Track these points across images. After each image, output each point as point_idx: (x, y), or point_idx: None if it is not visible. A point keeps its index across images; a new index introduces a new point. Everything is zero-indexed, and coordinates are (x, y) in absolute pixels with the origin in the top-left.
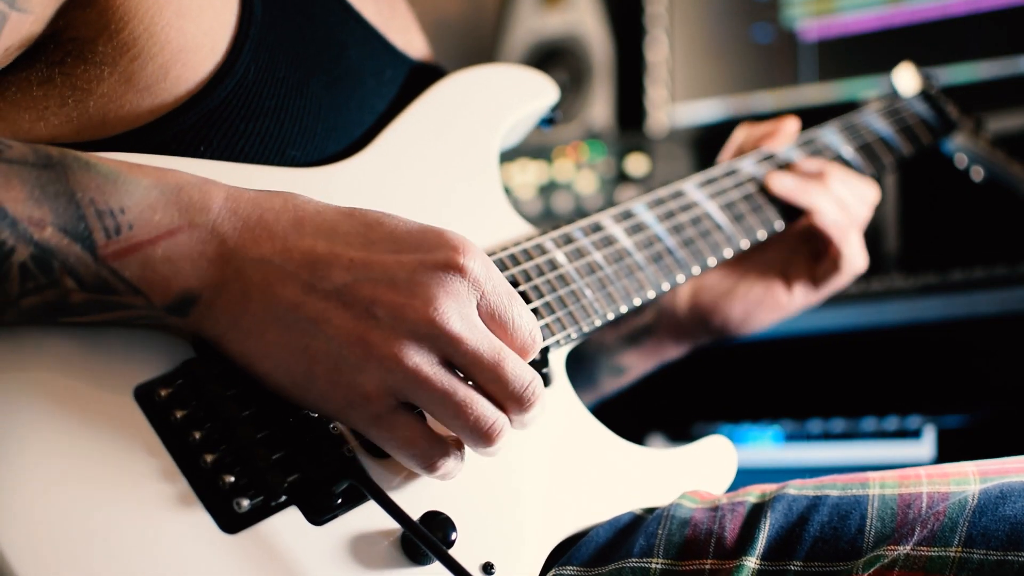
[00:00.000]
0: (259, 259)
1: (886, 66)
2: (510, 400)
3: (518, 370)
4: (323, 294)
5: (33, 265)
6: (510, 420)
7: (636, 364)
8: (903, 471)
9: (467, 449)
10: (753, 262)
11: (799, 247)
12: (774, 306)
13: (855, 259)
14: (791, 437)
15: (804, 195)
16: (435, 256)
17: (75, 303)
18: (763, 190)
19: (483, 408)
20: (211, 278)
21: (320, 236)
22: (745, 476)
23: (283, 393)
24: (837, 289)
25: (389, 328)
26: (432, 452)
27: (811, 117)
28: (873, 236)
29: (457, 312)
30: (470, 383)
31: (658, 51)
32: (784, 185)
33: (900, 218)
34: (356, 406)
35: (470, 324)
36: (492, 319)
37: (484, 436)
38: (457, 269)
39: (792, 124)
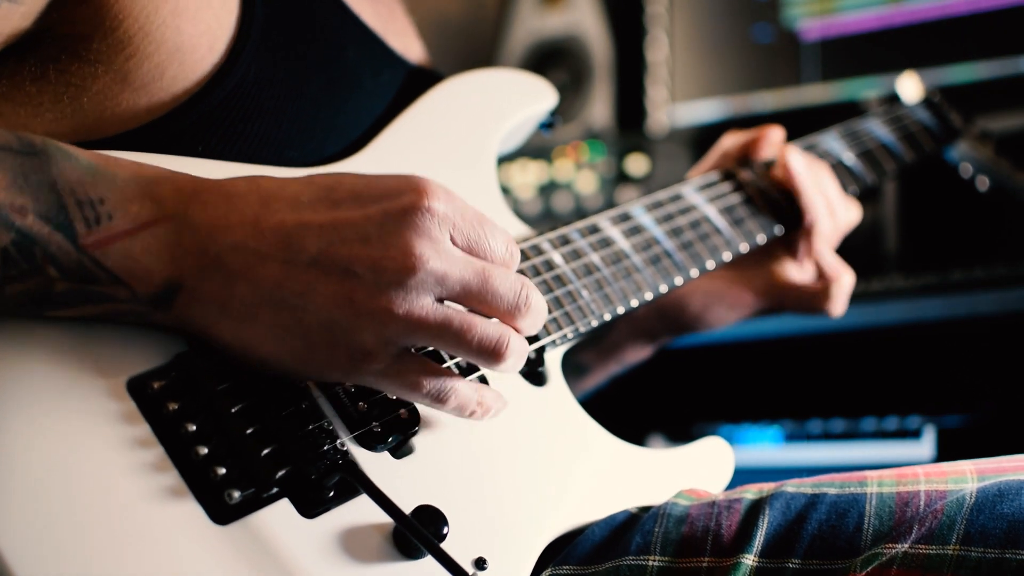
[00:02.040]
0: (234, 245)
1: (886, 66)
2: (508, 313)
3: (507, 282)
4: (302, 266)
5: (15, 251)
6: (516, 330)
7: (596, 362)
8: (901, 470)
9: (476, 421)
10: None
11: (774, 247)
12: (735, 304)
13: (837, 301)
14: (791, 437)
15: (803, 179)
16: (400, 202)
17: (59, 292)
18: (763, 196)
19: (483, 327)
20: (191, 268)
21: (286, 209)
22: (745, 476)
23: (287, 370)
24: (801, 312)
25: (372, 283)
26: (443, 387)
27: (812, 117)
28: (873, 236)
29: (433, 250)
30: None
31: (658, 51)
32: (797, 163)
33: (900, 218)
34: (361, 364)
35: (450, 258)
36: (468, 246)
37: (493, 353)
38: (424, 210)
39: (776, 132)
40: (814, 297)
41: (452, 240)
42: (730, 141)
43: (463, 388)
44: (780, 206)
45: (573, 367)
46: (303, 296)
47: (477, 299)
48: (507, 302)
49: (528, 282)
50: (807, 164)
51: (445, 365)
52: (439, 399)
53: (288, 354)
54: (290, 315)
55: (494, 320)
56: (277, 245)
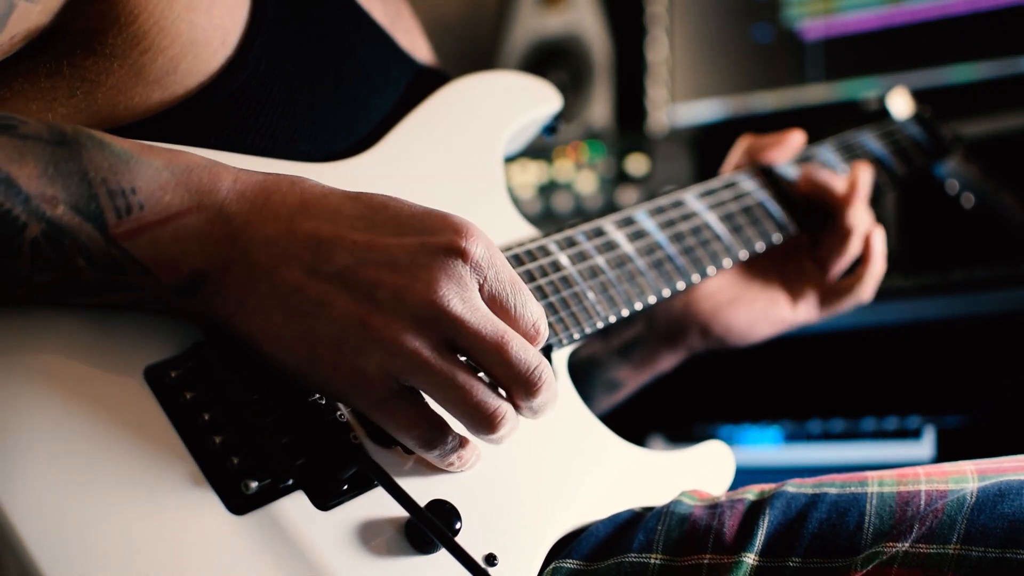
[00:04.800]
0: (264, 240)
1: (887, 66)
2: (516, 384)
3: (523, 353)
4: (326, 276)
5: (44, 242)
6: (519, 407)
7: (630, 377)
8: (901, 470)
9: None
10: (758, 274)
11: (806, 263)
12: (777, 320)
13: (870, 285)
14: (791, 437)
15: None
16: (437, 239)
17: (86, 282)
18: (760, 205)
19: (484, 394)
20: (219, 259)
21: (324, 218)
22: (745, 476)
23: (288, 375)
24: (839, 312)
25: (390, 311)
26: (432, 435)
27: (812, 117)
28: None
29: (458, 295)
30: (473, 368)
31: (658, 51)
32: (825, 179)
33: (900, 218)
34: (358, 388)
35: (471, 307)
36: (495, 304)
37: (486, 422)
38: (459, 252)
39: (798, 136)
40: (846, 290)
41: (481, 292)
42: (747, 144)
43: (450, 445)
44: (797, 208)
45: (608, 384)
46: (319, 306)
47: (488, 359)
48: (518, 372)
49: (545, 362)
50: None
51: None
52: (425, 446)
53: (291, 360)
54: (301, 322)
55: (494, 391)
56: (306, 250)
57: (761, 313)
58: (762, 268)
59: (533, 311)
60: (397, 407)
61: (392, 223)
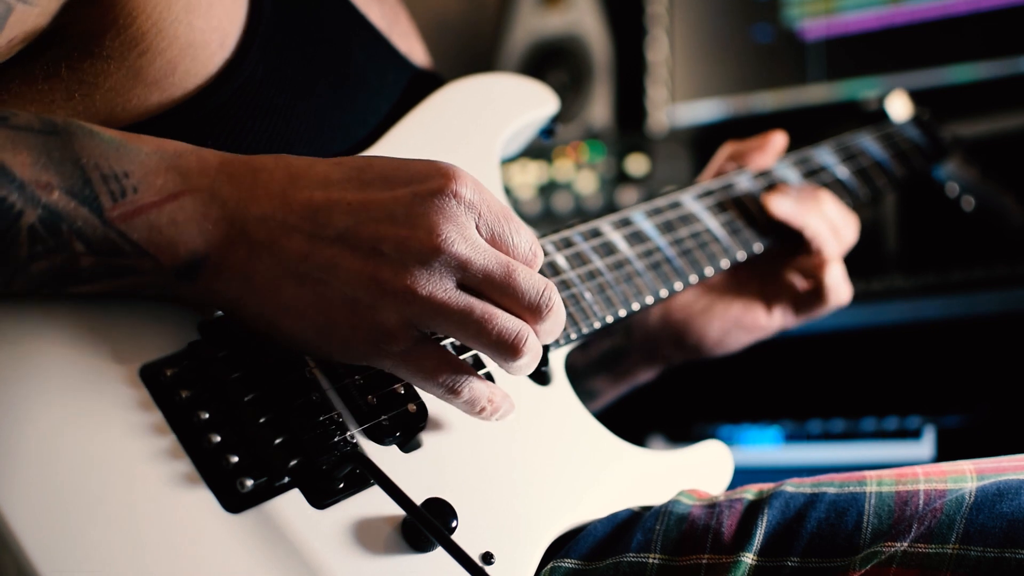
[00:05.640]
0: (260, 217)
1: (886, 66)
2: (528, 311)
3: (530, 280)
4: (328, 241)
5: (41, 228)
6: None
7: (607, 388)
8: (900, 469)
9: (480, 416)
10: (732, 281)
11: (781, 269)
12: (752, 327)
13: (840, 289)
14: (791, 437)
15: (801, 217)
16: (427, 185)
17: (84, 268)
18: (759, 206)
19: (504, 321)
20: (216, 240)
21: (315, 186)
22: (745, 476)
23: (308, 347)
24: (818, 317)
25: (397, 262)
26: (458, 377)
27: (812, 117)
28: (873, 236)
29: (459, 235)
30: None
31: (658, 51)
32: (783, 207)
33: (900, 218)
34: (380, 345)
35: (473, 244)
36: (492, 239)
37: (511, 348)
38: (451, 194)
39: (780, 138)
40: (819, 295)
41: (477, 229)
42: (730, 151)
43: (477, 384)
44: (779, 221)
45: (585, 393)
46: (327, 271)
47: (499, 291)
48: (529, 299)
49: (551, 284)
50: (796, 198)
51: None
52: (452, 391)
53: (309, 330)
54: (312, 290)
55: (512, 316)
56: (304, 218)
57: (735, 320)
58: (736, 275)
59: (527, 236)
60: (422, 354)
61: (380, 179)
